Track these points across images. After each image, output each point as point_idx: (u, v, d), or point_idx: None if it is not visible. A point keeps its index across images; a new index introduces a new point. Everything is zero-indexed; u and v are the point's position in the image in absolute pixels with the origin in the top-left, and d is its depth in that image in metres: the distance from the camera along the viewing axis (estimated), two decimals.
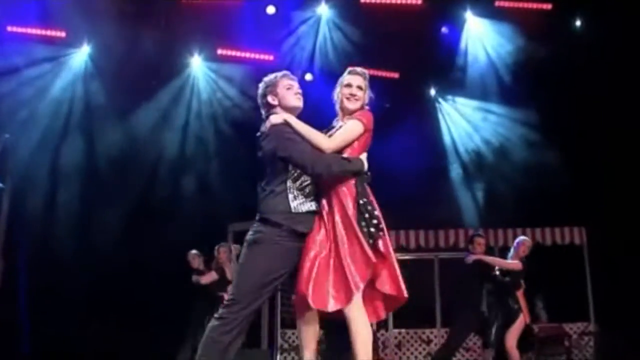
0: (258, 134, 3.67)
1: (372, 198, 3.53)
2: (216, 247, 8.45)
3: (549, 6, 9.92)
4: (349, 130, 3.58)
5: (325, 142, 3.53)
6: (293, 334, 10.04)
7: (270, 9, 9.86)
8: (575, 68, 9.74)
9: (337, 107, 3.81)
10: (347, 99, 3.71)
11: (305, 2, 10.15)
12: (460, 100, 11.47)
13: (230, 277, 7.84)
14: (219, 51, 10.34)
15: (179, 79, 10.65)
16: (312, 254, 3.45)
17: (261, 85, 3.75)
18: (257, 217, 3.58)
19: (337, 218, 3.46)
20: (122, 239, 9.65)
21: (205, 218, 9.95)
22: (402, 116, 10.32)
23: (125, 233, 9.72)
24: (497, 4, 10.13)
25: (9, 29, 9.36)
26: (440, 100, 11.64)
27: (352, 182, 3.50)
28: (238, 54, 10.25)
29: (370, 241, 3.37)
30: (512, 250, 7.29)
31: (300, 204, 3.52)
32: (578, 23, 10.37)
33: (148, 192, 10.33)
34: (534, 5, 9.95)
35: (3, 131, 9.22)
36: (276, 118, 3.57)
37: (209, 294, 8.02)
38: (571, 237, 10.76)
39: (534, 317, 9.14)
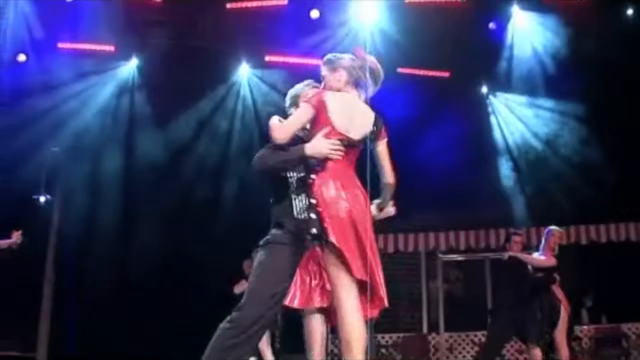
0: None
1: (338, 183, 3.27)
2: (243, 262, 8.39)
3: None
4: (295, 115, 3.44)
5: (275, 131, 3.36)
6: None
7: (314, 13, 9.82)
8: (625, 59, 9.45)
9: None
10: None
11: (348, 5, 10.07)
12: (510, 97, 11.28)
13: None
14: (267, 58, 10.38)
15: (223, 87, 10.75)
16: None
17: (287, 98, 3.73)
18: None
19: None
20: (164, 245, 9.82)
21: (246, 227, 10.02)
22: (453, 115, 10.21)
23: (168, 239, 9.90)
24: None
25: (60, 45, 9.53)
26: (491, 97, 11.49)
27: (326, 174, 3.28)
28: (285, 59, 10.26)
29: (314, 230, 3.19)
30: (542, 241, 7.03)
31: (302, 209, 3.43)
32: (630, 12, 10.07)
33: (189, 197, 10.45)
34: None
35: (51, 145, 9.45)
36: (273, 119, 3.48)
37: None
38: (627, 233, 10.40)
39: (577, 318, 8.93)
